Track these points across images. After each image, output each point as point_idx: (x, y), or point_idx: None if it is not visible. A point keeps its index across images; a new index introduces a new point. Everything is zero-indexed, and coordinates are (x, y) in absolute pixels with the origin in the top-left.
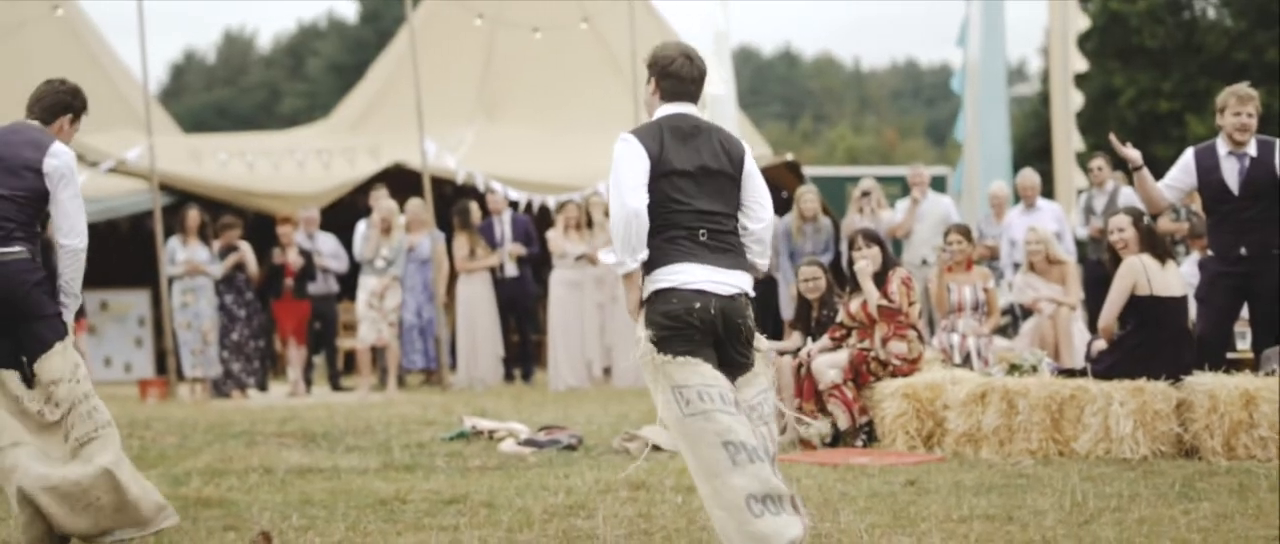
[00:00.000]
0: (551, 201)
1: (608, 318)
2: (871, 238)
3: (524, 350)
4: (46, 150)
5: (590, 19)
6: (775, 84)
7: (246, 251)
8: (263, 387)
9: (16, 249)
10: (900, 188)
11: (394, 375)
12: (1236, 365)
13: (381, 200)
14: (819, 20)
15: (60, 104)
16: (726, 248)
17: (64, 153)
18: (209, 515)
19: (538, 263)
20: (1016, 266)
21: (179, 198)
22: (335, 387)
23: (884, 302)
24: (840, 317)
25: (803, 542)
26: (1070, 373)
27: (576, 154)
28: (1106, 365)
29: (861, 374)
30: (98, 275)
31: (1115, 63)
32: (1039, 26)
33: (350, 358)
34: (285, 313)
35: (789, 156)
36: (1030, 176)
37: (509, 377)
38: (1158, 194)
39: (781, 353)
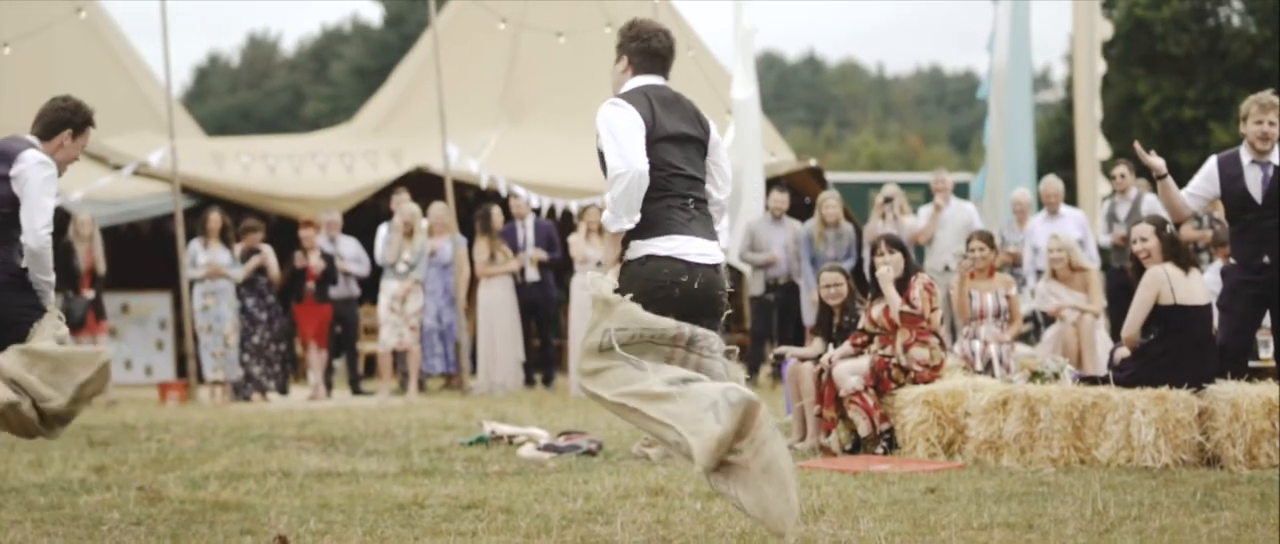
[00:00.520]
0: (574, 206)
1: None
2: (894, 244)
3: (545, 355)
4: (14, 160)
5: (614, 23)
6: (799, 89)
7: (268, 255)
8: (283, 390)
9: None
10: (923, 194)
11: (415, 379)
12: (1259, 374)
13: (404, 204)
14: (843, 26)
15: (59, 120)
16: (706, 217)
17: (29, 160)
18: (226, 519)
19: (560, 268)
20: (1039, 274)
21: (201, 201)
22: (356, 390)
23: (906, 307)
24: (862, 323)
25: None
26: (1092, 381)
27: (598, 159)
28: (1129, 373)
29: (883, 381)
30: (119, 278)
31: (1140, 70)
32: (1064, 33)
33: (371, 362)
34: (306, 316)
35: (812, 162)
36: (1054, 183)
37: (529, 382)
38: (1181, 202)
39: (803, 359)
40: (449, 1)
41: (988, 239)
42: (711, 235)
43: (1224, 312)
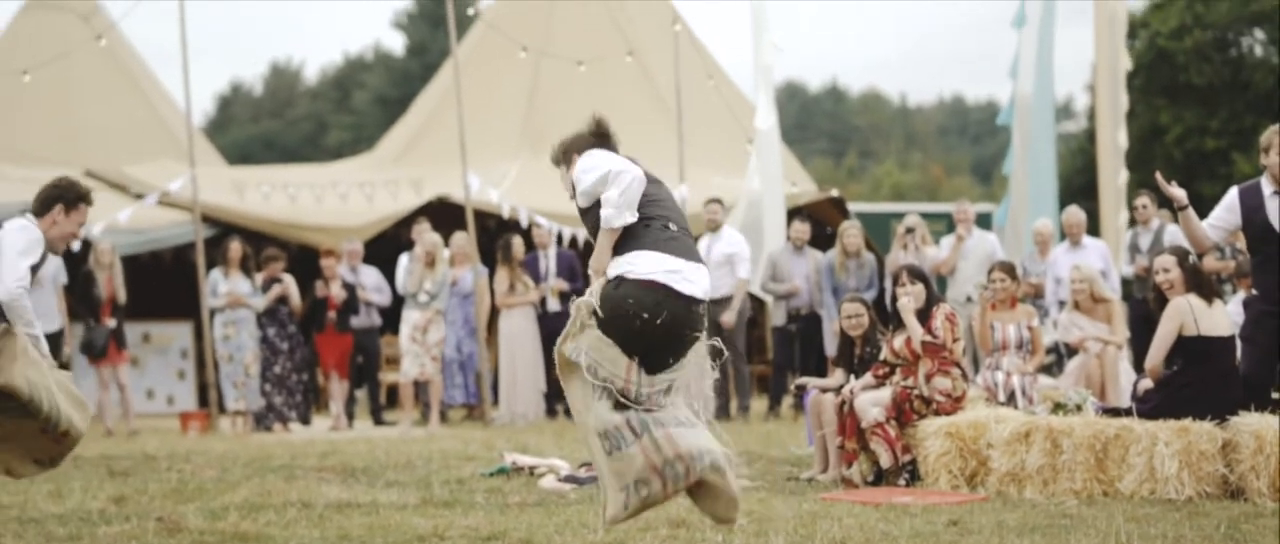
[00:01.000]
0: None
1: None
2: (915, 274)
3: None
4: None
5: (635, 52)
6: (821, 119)
7: (290, 284)
8: (306, 420)
9: None
10: (946, 224)
11: (437, 410)
12: None
13: (425, 234)
14: (865, 56)
15: (51, 198)
16: (688, 240)
17: (10, 225)
18: None
19: None
20: (1061, 304)
21: (222, 230)
22: (377, 421)
23: (928, 337)
24: (883, 354)
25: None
26: (1115, 412)
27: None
28: (1152, 405)
29: (905, 412)
30: (140, 307)
31: (1162, 100)
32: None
33: (393, 392)
34: (328, 346)
35: (834, 192)
36: (1076, 214)
37: (551, 412)
38: (1202, 233)
39: (824, 390)
40: (470, 30)
41: (1010, 270)
42: (693, 257)
43: (1247, 343)
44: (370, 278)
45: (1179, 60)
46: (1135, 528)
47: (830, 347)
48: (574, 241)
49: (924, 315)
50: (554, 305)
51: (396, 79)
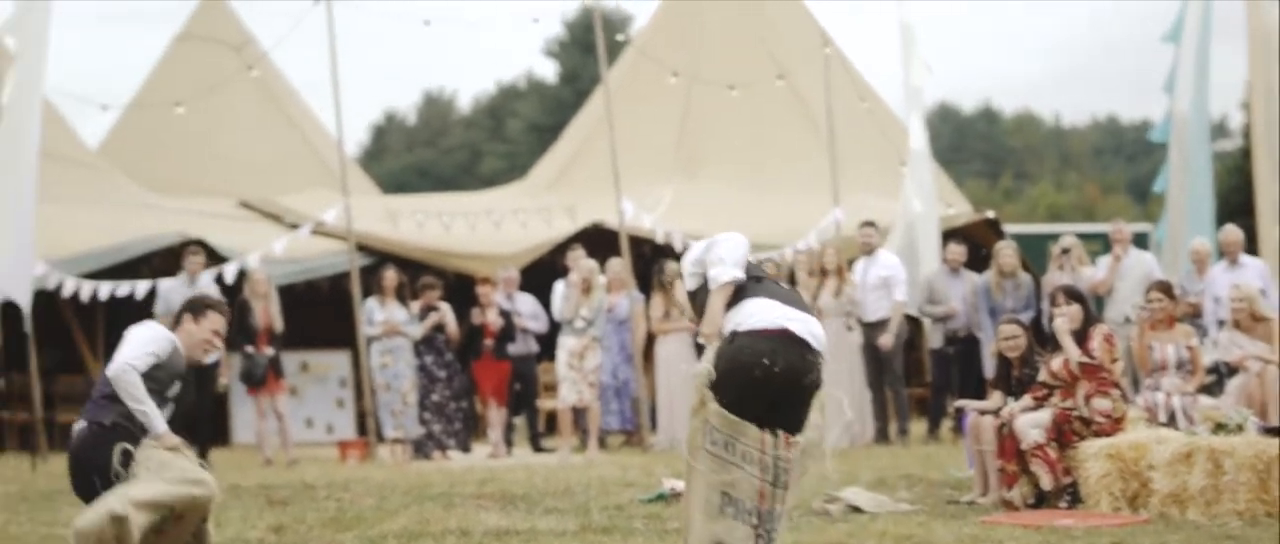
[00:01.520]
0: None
1: None
2: (1072, 295)
3: None
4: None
5: (786, 76)
6: (976, 141)
7: (446, 312)
8: (465, 448)
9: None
10: (1102, 244)
11: (595, 436)
12: None
13: (581, 260)
14: (1018, 77)
15: (180, 311)
16: (795, 292)
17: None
18: None
19: None
20: (1221, 324)
21: (377, 259)
22: (537, 448)
23: (1085, 358)
24: (1042, 375)
25: None
26: (1277, 431)
27: (774, 212)
28: None
29: (1064, 434)
30: (298, 336)
31: None
32: (1239, 81)
33: (551, 419)
34: (485, 373)
35: (989, 213)
36: (1233, 232)
37: None
38: None
39: (983, 412)
40: (621, 57)
41: (1167, 289)
42: (805, 308)
43: None
44: (526, 305)
45: None
46: None
47: (989, 368)
48: None
49: (1082, 336)
50: None
51: (549, 107)
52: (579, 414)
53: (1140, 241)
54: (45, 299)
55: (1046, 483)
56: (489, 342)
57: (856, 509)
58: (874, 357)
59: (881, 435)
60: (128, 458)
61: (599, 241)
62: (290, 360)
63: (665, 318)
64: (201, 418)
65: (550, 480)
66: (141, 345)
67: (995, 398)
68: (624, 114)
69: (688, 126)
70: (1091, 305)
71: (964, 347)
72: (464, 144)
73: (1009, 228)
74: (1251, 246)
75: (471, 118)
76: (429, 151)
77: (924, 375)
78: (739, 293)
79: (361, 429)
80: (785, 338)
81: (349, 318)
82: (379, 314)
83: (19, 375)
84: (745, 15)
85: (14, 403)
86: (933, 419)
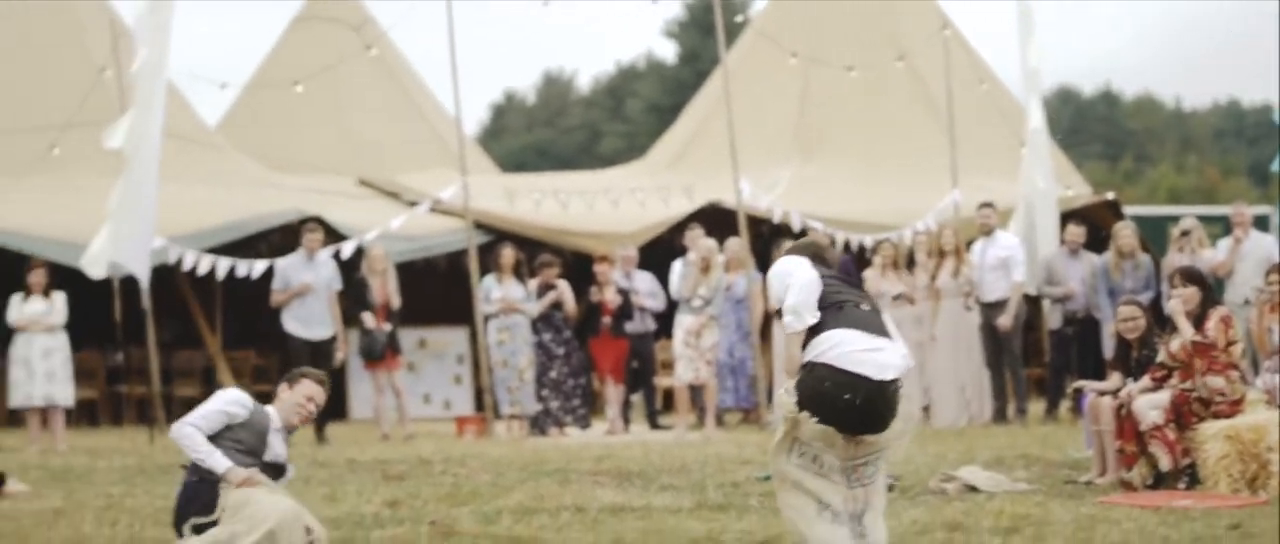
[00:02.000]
0: (869, 241)
1: (926, 357)
2: (1189, 276)
3: None
4: None
5: (905, 57)
6: (1096, 124)
7: (564, 290)
8: (584, 424)
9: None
10: (1222, 227)
11: (712, 414)
12: None
13: (700, 239)
14: (1139, 59)
15: (279, 383)
16: (878, 316)
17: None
18: None
19: None
20: None
21: (495, 236)
22: (653, 425)
23: (1198, 337)
24: (1161, 356)
25: None
26: None
27: (893, 192)
28: None
29: (1184, 415)
30: (416, 313)
31: None
32: None
33: (668, 396)
34: (603, 351)
35: (1109, 194)
36: None
37: None
38: None
39: (1101, 393)
40: (740, 37)
41: None
42: (886, 334)
43: None
44: (644, 283)
45: None
46: None
47: (1108, 349)
48: (847, 246)
49: (1200, 319)
50: None
51: (669, 87)
52: (696, 392)
53: (1260, 224)
54: (163, 274)
55: (1165, 464)
56: (607, 319)
57: (973, 488)
58: (992, 337)
59: (1000, 415)
60: (200, 530)
61: (717, 221)
62: (408, 337)
63: None
64: None
65: (666, 457)
66: (217, 407)
67: (1114, 379)
68: (742, 95)
69: (806, 107)
70: (1211, 287)
71: (1083, 328)
72: (583, 124)
73: (1129, 210)
74: None
75: (591, 98)
76: (548, 131)
77: (1042, 356)
78: (818, 325)
79: (479, 405)
80: (864, 377)
81: (467, 295)
82: (496, 291)
83: (137, 350)
84: None
85: (132, 377)
86: (1051, 400)
